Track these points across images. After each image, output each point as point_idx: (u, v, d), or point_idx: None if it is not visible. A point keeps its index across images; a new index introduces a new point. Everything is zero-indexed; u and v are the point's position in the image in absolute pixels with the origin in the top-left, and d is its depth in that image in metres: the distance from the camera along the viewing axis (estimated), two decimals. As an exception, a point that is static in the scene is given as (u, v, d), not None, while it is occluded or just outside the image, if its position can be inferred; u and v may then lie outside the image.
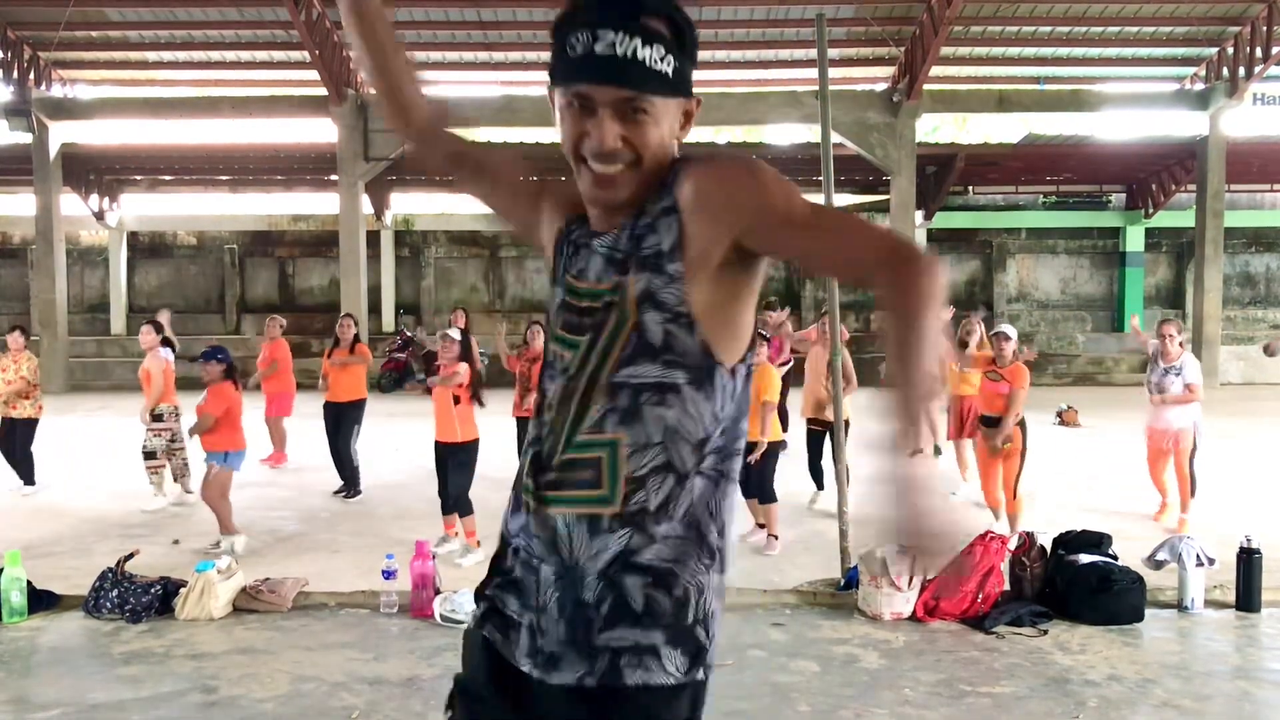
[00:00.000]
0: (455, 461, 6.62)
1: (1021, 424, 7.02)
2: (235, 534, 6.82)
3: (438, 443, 6.73)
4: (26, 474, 8.85)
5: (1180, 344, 7.48)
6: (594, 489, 1.61)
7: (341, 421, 8.57)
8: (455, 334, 6.86)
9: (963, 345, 7.66)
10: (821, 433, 7.84)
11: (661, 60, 1.56)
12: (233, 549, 6.59)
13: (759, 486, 6.80)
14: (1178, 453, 7.41)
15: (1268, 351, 14.37)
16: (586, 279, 1.67)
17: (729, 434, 1.67)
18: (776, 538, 6.80)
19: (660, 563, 1.60)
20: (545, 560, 1.66)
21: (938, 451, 10.89)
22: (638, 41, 1.54)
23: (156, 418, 8.21)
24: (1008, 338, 7.20)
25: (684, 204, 1.58)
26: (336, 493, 8.60)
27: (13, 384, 8.51)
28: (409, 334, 18.51)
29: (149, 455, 8.20)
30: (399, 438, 11.10)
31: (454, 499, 6.64)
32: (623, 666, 1.58)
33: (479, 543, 6.52)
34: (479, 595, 1.77)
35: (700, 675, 1.62)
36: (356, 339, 9.04)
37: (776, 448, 6.89)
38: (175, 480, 8.42)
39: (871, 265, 1.52)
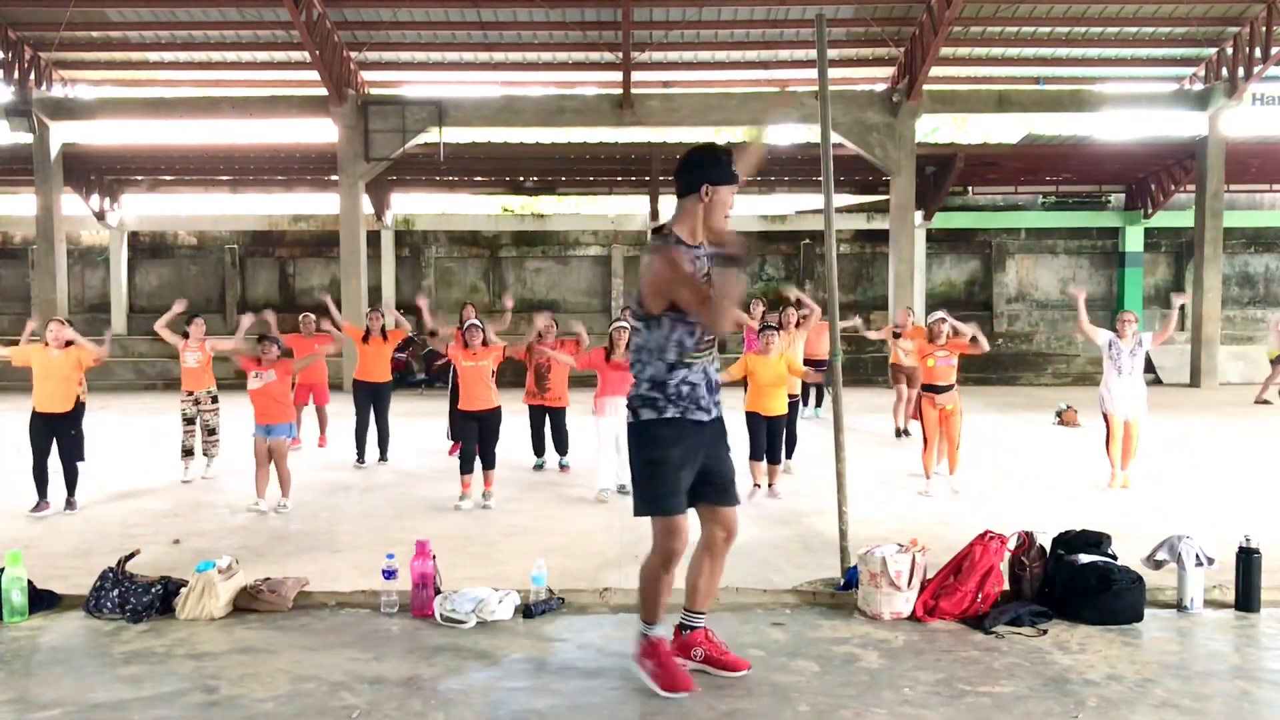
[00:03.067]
0: (492, 424, 8.18)
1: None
2: (287, 497, 8.19)
3: (473, 412, 8.12)
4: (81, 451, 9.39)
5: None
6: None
7: (383, 398, 10.22)
8: (478, 322, 8.46)
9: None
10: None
11: None
12: (287, 506, 8.11)
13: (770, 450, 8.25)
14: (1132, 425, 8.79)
15: None
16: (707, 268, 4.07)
17: None
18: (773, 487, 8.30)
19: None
20: (713, 394, 4.16)
21: (905, 433, 11.40)
22: None
23: (214, 398, 9.56)
24: (944, 320, 8.80)
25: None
26: (358, 465, 9.93)
27: (86, 366, 8.41)
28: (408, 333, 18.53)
29: (189, 421, 9.46)
30: (398, 435, 11.11)
31: (487, 455, 8.13)
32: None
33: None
34: (672, 404, 4.08)
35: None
36: (383, 328, 10.53)
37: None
38: (204, 454, 9.51)
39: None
